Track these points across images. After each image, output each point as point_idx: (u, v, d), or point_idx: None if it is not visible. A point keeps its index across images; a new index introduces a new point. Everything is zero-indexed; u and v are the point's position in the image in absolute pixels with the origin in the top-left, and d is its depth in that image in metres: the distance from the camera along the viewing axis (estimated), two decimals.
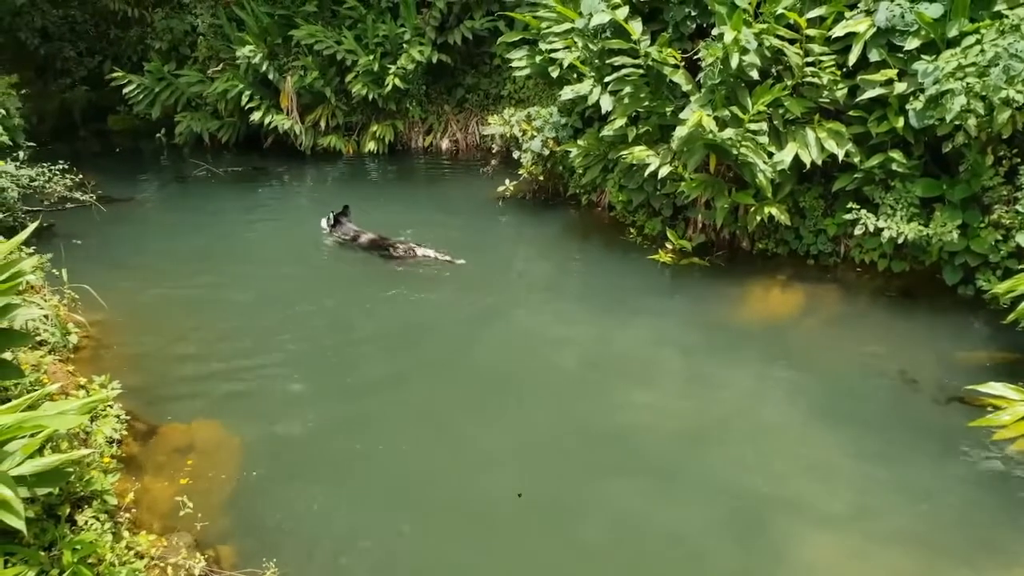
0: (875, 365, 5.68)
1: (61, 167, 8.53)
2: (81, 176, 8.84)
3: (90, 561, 3.05)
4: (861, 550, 4.00)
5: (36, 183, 8.20)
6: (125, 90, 12.59)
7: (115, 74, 12.57)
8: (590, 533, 4.14)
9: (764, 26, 6.43)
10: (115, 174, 11.01)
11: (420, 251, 7.90)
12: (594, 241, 8.41)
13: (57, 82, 14.46)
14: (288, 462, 4.68)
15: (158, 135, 13.06)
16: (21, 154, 8.32)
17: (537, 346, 6.23)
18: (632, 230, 8.19)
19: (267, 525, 4.15)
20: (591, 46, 7.77)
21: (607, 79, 7.46)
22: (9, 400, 4.03)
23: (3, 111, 8.73)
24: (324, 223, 8.64)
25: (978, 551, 3.98)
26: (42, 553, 2.93)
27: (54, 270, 6.02)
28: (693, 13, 7.32)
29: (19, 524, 2.49)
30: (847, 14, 6.39)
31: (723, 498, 4.41)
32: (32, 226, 3.62)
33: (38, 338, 4.99)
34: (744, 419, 5.21)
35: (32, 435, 2.90)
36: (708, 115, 6.51)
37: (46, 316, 5.10)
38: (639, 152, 7.31)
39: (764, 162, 6.58)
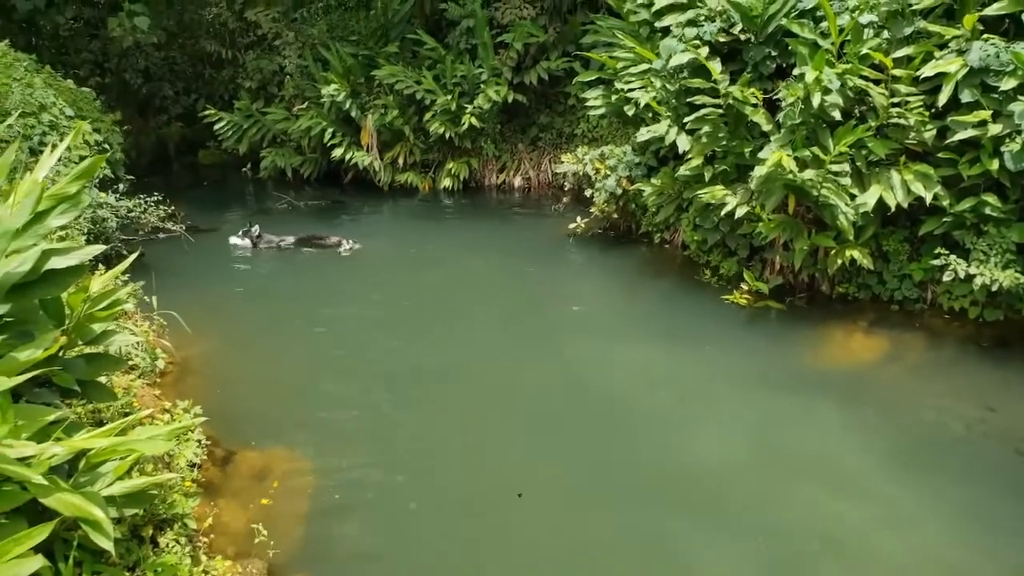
0: (962, 416, 5.41)
1: (156, 199, 8.96)
2: (173, 208, 9.26)
3: None
4: None
5: (133, 214, 8.63)
6: (216, 126, 13.21)
7: (207, 111, 13.20)
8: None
9: (847, 66, 6.32)
10: (203, 205, 11.50)
11: (346, 243, 9.58)
12: (666, 280, 8.32)
13: (155, 119, 15.31)
14: (361, 493, 4.72)
15: (244, 169, 13.61)
16: (121, 186, 8.78)
17: (605, 384, 6.16)
18: (706, 270, 8.08)
19: (339, 555, 4.18)
20: (669, 86, 7.78)
21: (685, 119, 7.44)
22: (102, 421, 4.23)
23: (107, 147, 9.24)
24: (237, 239, 9.73)
25: None
26: (127, 573, 3.03)
27: (145, 297, 6.31)
28: (773, 53, 7.26)
29: (108, 545, 2.59)
30: (937, 54, 6.23)
31: (789, 540, 4.26)
32: (131, 257, 3.81)
33: (130, 363, 5.21)
34: (819, 464, 5.01)
35: (122, 457, 3.02)
36: (788, 155, 6.40)
37: (138, 342, 5.32)
38: (717, 191, 7.23)
39: (846, 204, 6.42)
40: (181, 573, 3.19)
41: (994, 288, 5.98)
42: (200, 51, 14.78)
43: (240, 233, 9.76)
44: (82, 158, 8.57)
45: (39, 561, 2.36)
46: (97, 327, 3.62)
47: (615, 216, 9.47)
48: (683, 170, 7.60)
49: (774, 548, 4.23)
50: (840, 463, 5.02)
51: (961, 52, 6.03)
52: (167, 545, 3.39)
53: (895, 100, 6.32)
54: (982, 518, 4.42)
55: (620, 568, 4.13)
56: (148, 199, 8.90)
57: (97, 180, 8.48)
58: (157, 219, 9.00)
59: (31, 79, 8.86)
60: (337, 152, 12.09)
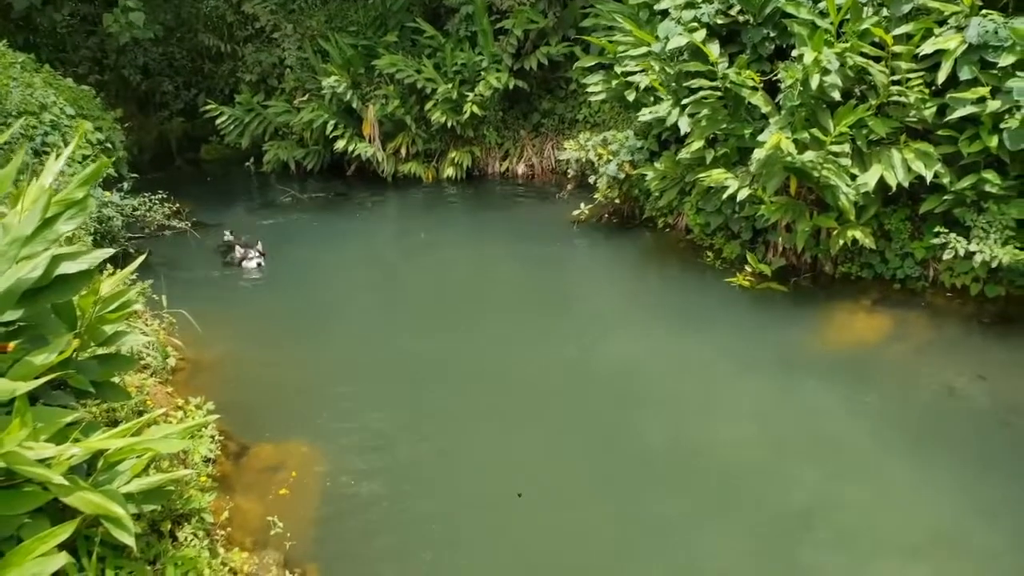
0: (966, 392, 5.46)
1: (160, 196, 9.02)
2: (178, 205, 9.32)
3: (189, 575, 3.22)
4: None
5: (138, 212, 8.69)
6: (217, 121, 13.23)
7: (208, 106, 13.22)
8: (653, 547, 4.12)
9: (846, 45, 6.32)
10: (207, 201, 11.54)
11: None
12: (670, 264, 8.36)
13: (156, 115, 15.33)
14: (374, 486, 4.79)
15: (247, 163, 13.63)
16: (125, 184, 8.83)
17: (610, 367, 6.24)
18: (709, 253, 8.11)
19: (353, 546, 4.27)
20: (668, 69, 7.78)
21: (684, 101, 7.45)
22: (116, 420, 4.31)
23: (110, 146, 9.30)
24: (238, 252, 8.93)
25: None
26: (148, 567, 3.11)
27: (153, 295, 6.37)
28: (772, 34, 7.25)
29: (129, 540, 2.66)
30: (936, 31, 6.21)
31: (793, 519, 4.35)
32: (139, 259, 3.87)
33: (142, 362, 5.29)
34: (823, 444, 5.08)
35: (139, 456, 3.10)
36: (787, 137, 6.41)
37: (150, 342, 5.40)
38: (717, 175, 7.25)
39: (847, 184, 6.43)
40: (200, 565, 3.28)
41: (994, 265, 6.01)
42: (198, 45, 14.77)
43: (240, 251, 8.99)
44: (85, 157, 8.63)
45: (63, 558, 2.44)
46: (108, 328, 3.68)
47: (618, 202, 9.49)
48: (684, 153, 7.62)
49: (778, 527, 4.31)
50: (845, 443, 5.08)
51: (960, 28, 6.02)
52: (185, 539, 3.48)
53: (895, 78, 6.32)
54: (986, 494, 4.48)
55: (627, 547, 4.21)
56: (153, 197, 8.95)
57: (101, 179, 8.53)
58: (162, 216, 9.07)
59: (31, 79, 8.90)
60: (340, 144, 12.11)
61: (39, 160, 7.95)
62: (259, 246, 9.02)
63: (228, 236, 9.53)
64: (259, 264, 8.82)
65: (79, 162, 8.42)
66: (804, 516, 4.42)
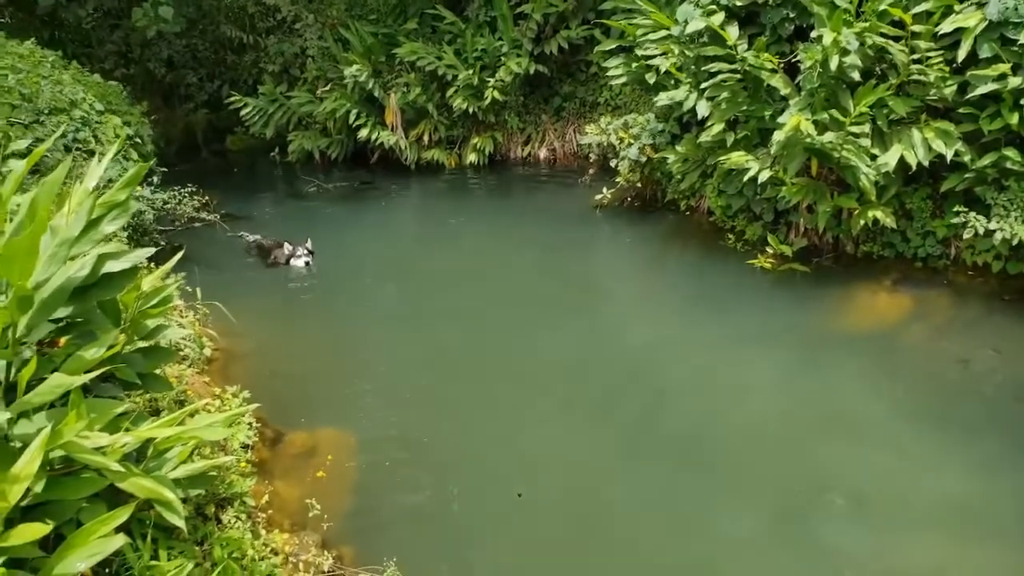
0: (992, 371, 5.52)
1: (190, 189, 9.22)
2: (207, 197, 9.52)
3: (235, 556, 3.40)
4: (959, 549, 4.05)
5: (168, 206, 8.90)
6: (242, 112, 13.41)
7: (233, 97, 13.41)
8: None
9: (866, 24, 6.31)
10: (235, 193, 11.76)
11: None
12: (692, 246, 8.42)
13: (181, 107, 15.54)
14: (406, 469, 4.97)
15: (272, 153, 13.81)
16: (155, 179, 9.04)
17: (632, 349, 6.36)
18: (731, 235, 8.16)
19: (387, 527, 4.46)
20: (687, 52, 7.80)
21: (703, 85, 7.48)
22: (158, 409, 4.51)
23: (139, 140, 9.50)
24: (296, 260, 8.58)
25: None
26: (196, 548, 3.30)
27: (187, 287, 6.57)
28: (791, 15, 7.24)
29: (179, 522, 2.84)
30: (956, 7, 6.19)
31: (814, 494, 4.50)
32: (176, 256, 4.03)
33: (180, 353, 5.49)
34: (845, 424, 5.18)
35: (184, 444, 3.28)
36: (807, 119, 6.44)
37: (188, 334, 5.60)
38: (737, 157, 7.28)
39: (867, 165, 6.45)
40: (244, 546, 3.46)
41: (1015, 243, 6.03)
42: (221, 37, 14.93)
43: (288, 248, 8.68)
44: (116, 153, 8.84)
45: (121, 539, 2.62)
46: (151, 323, 3.86)
47: (640, 185, 9.54)
48: (705, 136, 7.65)
49: (797, 498, 4.46)
50: (864, 419, 5.20)
51: (980, 6, 6.00)
52: (229, 521, 3.67)
53: (915, 57, 6.31)
54: (1004, 468, 4.56)
55: (649, 522, 4.35)
56: (182, 190, 9.15)
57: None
58: (191, 209, 9.26)
59: (60, 76, 9.11)
60: (363, 133, 12.23)
61: (70, 156, 8.18)
62: (308, 244, 8.70)
63: (252, 238, 9.33)
64: (307, 263, 8.52)
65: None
66: (822, 488, 4.56)
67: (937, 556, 4.05)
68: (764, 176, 7.09)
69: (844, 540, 4.16)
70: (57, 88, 8.68)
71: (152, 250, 3.62)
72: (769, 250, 7.53)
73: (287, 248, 8.67)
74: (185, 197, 9.17)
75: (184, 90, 15.53)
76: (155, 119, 11.74)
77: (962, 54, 6.05)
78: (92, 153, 8.50)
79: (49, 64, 9.38)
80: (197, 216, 9.39)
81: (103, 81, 10.11)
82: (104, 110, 9.20)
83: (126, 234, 7.26)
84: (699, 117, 7.73)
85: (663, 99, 8.06)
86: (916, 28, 6.27)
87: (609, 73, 9.54)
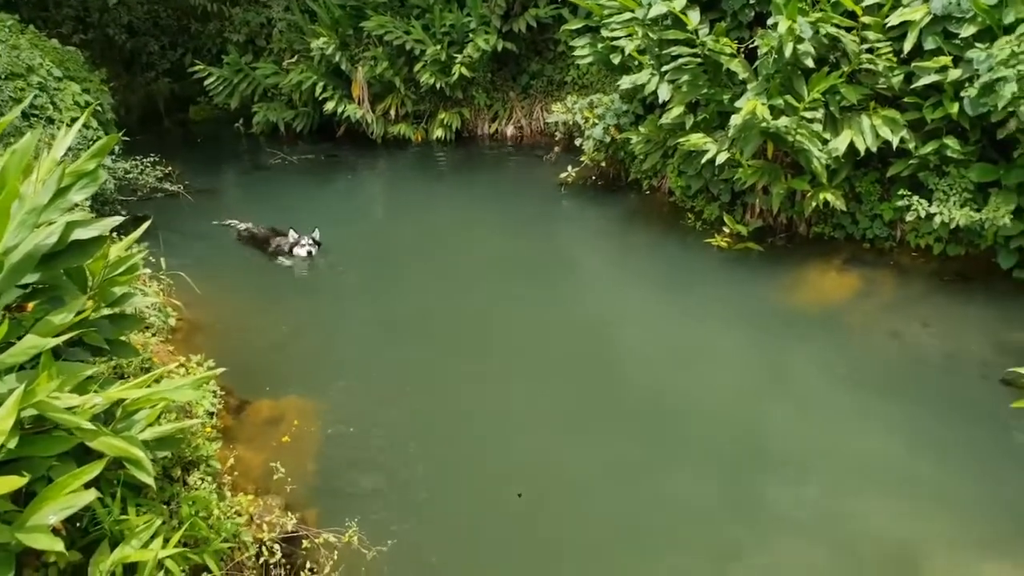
0: (928, 347, 5.84)
1: (152, 159, 9.16)
2: (169, 168, 9.46)
3: (201, 515, 3.53)
4: (909, 509, 4.37)
5: (130, 175, 8.85)
6: (205, 82, 13.26)
7: (196, 67, 13.24)
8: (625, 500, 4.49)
9: (820, 14, 6.52)
10: (198, 163, 11.67)
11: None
12: (653, 225, 8.64)
13: (142, 75, 15.27)
14: (369, 436, 5.13)
15: (236, 125, 13.70)
16: (116, 148, 8.97)
17: (591, 323, 6.58)
18: (690, 215, 8.39)
19: (350, 491, 4.62)
20: (651, 35, 7.94)
21: (665, 68, 7.64)
22: (123, 375, 4.59)
23: (99, 109, 9.39)
24: (299, 249, 8.12)
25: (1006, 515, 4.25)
26: (164, 506, 3.43)
27: (151, 257, 6.60)
28: (751, 1, 7.42)
29: (149, 480, 2.96)
30: (904, 1, 6.43)
31: (757, 459, 4.81)
32: (145, 224, 4.09)
33: (145, 322, 5.55)
34: (796, 398, 5.46)
35: (152, 406, 3.39)
36: (763, 103, 6.65)
37: (153, 303, 5.66)
38: (697, 139, 7.48)
39: (819, 149, 6.70)
40: (211, 506, 3.59)
41: (952, 226, 6.34)
42: (184, 4, 14.68)
43: (293, 236, 8.21)
44: (73, 119, 8.74)
45: (92, 494, 2.74)
46: (117, 290, 3.94)
47: (604, 164, 9.72)
48: (666, 119, 7.83)
49: (745, 463, 4.75)
50: (811, 391, 5.49)
51: (926, 0, 6.24)
52: (195, 483, 3.79)
53: (866, 47, 6.54)
54: (924, 426, 4.96)
55: (614, 493, 4.58)
56: (144, 160, 9.10)
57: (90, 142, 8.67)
58: (154, 180, 9.21)
59: (17, 40, 8.94)
60: (329, 105, 12.21)
61: (28, 123, 8.08)
62: (315, 234, 8.22)
63: (242, 226, 8.93)
64: (310, 252, 8.04)
65: (68, 125, 8.54)
66: (766, 452, 4.88)
67: (868, 504, 4.37)
68: (722, 158, 7.30)
69: (787, 497, 4.44)
70: (14, 53, 8.54)
71: (120, 219, 3.69)
72: (726, 230, 7.77)
73: (292, 236, 8.20)
74: (147, 167, 9.12)
75: (146, 58, 15.26)
76: (115, 87, 11.58)
77: (908, 46, 6.30)
78: (51, 120, 8.42)
79: (7, 28, 9.20)
80: (160, 187, 9.35)
81: (60, 47, 9.93)
82: (62, 76, 9.07)
83: (87, 203, 7.23)
84: (660, 100, 7.90)
85: (625, 82, 8.21)
86: (866, 20, 6.50)
87: (576, 53, 9.63)
